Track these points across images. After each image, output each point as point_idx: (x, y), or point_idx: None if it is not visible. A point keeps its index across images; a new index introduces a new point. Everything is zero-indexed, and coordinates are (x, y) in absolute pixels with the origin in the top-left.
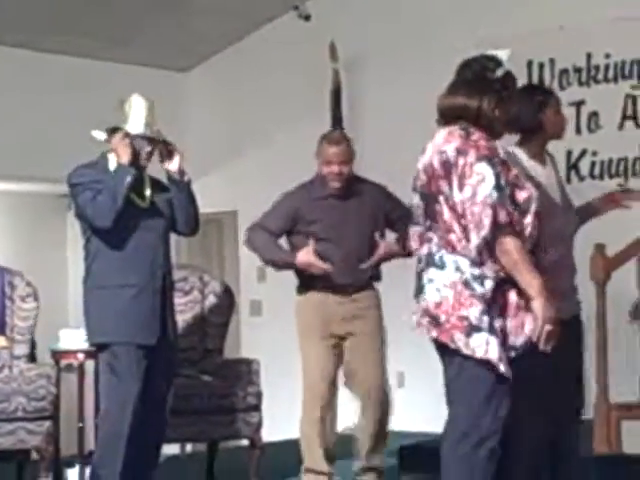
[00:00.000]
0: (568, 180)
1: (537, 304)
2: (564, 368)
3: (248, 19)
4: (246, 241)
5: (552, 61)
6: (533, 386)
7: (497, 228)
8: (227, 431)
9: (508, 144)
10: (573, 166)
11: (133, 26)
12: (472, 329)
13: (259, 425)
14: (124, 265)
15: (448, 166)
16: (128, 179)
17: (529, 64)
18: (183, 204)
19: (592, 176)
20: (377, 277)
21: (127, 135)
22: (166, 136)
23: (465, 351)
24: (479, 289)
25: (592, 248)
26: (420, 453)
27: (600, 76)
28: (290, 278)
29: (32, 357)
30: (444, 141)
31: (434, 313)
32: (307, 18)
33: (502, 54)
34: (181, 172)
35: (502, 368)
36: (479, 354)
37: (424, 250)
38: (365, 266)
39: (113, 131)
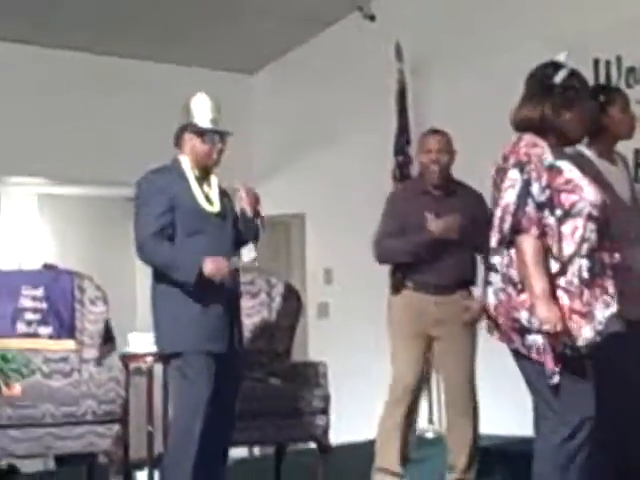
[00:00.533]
0: (636, 179)
1: (536, 306)
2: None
3: (313, 21)
4: (378, 257)
5: (619, 59)
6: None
7: (514, 233)
8: (295, 434)
9: None
10: None
11: (198, 28)
12: (524, 330)
13: (327, 428)
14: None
15: (498, 173)
16: (186, 278)
17: (595, 62)
18: (247, 236)
19: None
20: (471, 281)
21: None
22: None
23: (523, 351)
24: (517, 292)
25: None
26: (501, 457)
27: None
28: (357, 280)
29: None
30: (503, 149)
31: (494, 316)
32: (372, 18)
33: (560, 57)
34: (256, 213)
35: (554, 369)
36: (534, 355)
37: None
38: (466, 319)
39: (182, 130)
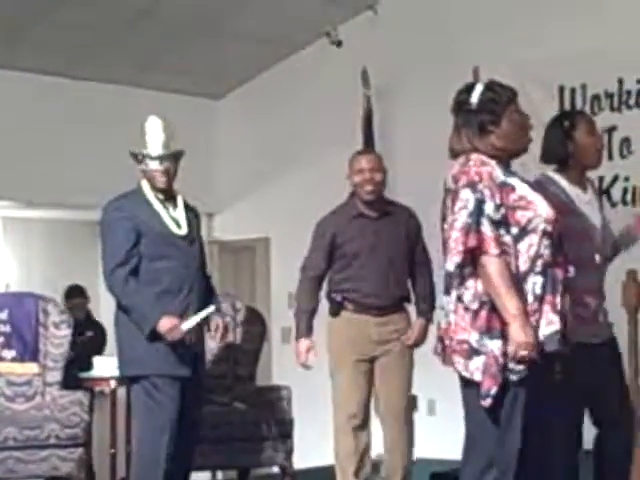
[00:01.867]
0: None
1: (512, 328)
2: (601, 389)
3: (280, 46)
4: (295, 295)
5: (584, 86)
6: (567, 409)
7: (471, 253)
8: (258, 458)
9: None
10: (605, 192)
11: (164, 53)
12: (472, 352)
13: (290, 452)
14: (157, 300)
15: (447, 195)
16: (141, 326)
17: (561, 89)
18: None
19: (624, 202)
20: (407, 299)
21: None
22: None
23: (465, 374)
24: (470, 312)
25: (624, 274)
26: None
27: (632, 101)
28: (321, 305)
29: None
30: (450, 171)
31: (443, 338)
32: (339, 44)
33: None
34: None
35: (490, 391)
36: (477, 377)
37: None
38: (400, 344)
39: (134, 157)
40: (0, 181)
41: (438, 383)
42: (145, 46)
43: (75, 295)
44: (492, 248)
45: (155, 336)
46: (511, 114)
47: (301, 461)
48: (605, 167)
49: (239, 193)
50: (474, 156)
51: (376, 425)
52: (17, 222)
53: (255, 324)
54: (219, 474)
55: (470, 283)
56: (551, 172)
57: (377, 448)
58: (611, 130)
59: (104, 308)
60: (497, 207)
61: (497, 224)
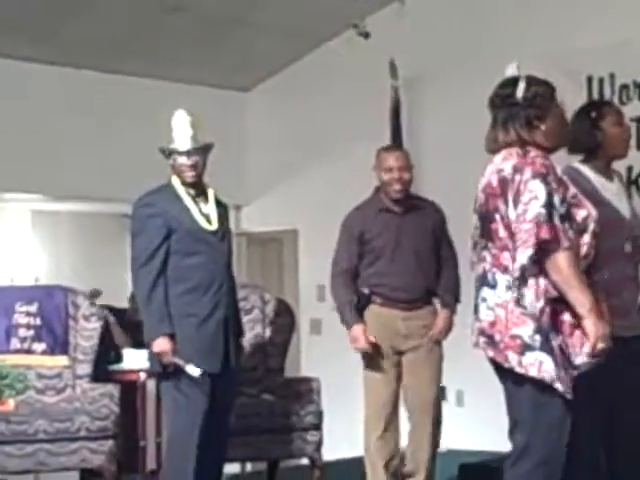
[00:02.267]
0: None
1: (588, 323)
2: (632, 387)
3: (307, 38)
4: (330, 291)
5: (612, 76)
6: (596, 405)
7: (544, 246)
8: (288, 450)
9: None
10: (634, 182)
11: (193, 46)
12: (525, 348)
13: (319, 444)
14: (188, 296)
15: (505, 184)
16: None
17: (589, 80)
18: None
19: None
20: (434, 292)
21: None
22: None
23: (518, 370)
24: (530, 308)
25: None
26: (481, 472)
27: None
28: None
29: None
30: (502, 160)
31: (489, 333)
32: (366, 36)
33: (510, 71)
34: None
35: (559, 387)
36: (532, 373)
37: (479, 269)
38: (428, 339)
39: (162, 152)
40: (28, 174)
41: (466, 374)
42: (174, 40)
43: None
44: (564, 241)
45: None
46: (555, 109)
47: (330, 453)
48: (634, 157)
49: (267, 185)
50: (532, 148)
51: (404, 418)
52: (46, 215)
53: (284, 316)
54: (248, 466)
55: (531, 281)
56: (577, 163)
57: (404, 440)
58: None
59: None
60: (562, 201)
61: (563, 218)
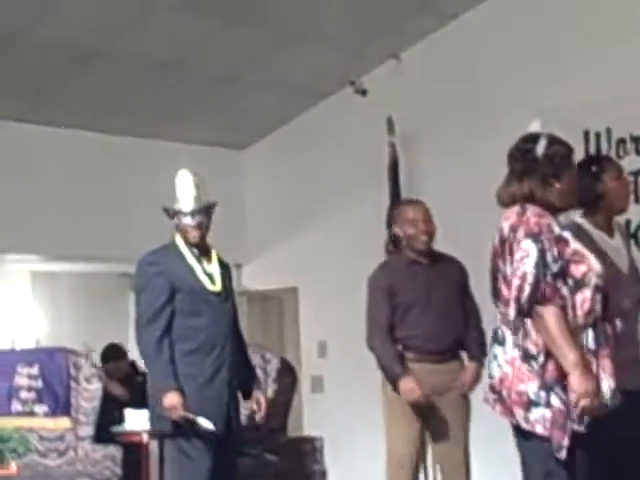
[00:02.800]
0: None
1: (572, 378)
2: (633, 439)
3: (305, 95)
4: (371, 350)
5: (609, 131)
6: (600, 459)
7: (535, 303)
8: None
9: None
10: (633, 235)
11: (189, 105)
12: (530, 404)
13: None
14: (191, 357)
15: (503, 243)
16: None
17: (586, 134)
18: None
19: None
20: (463, 345)
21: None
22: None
23: (525, 426)
24: (535, 364)
25: None
26: None
27: None
28: (351, 353)
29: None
30: (504, 219)
31: (498, 389)
32: (363, 93)
33: (533, 126)
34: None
35: (562, 443)
36: (539, 430)
37: (494, 327)
38: (463, 389)
39: (166, 212)
40: (28, 235)
41: (485, 432)
42: (170, 98)
43: (111, 357)
44: (553, 299)
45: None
46: (571, 170)
47: None
48: (632, 211)
49: (266, 243)
50: (530, 207)
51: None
52: (45, 276)
53: (286, 375)
54: None
55: (534, 335)
56: (577, 217)
57: None
58: (637, 174)
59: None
60: (555, 259)
61: (556, 276)
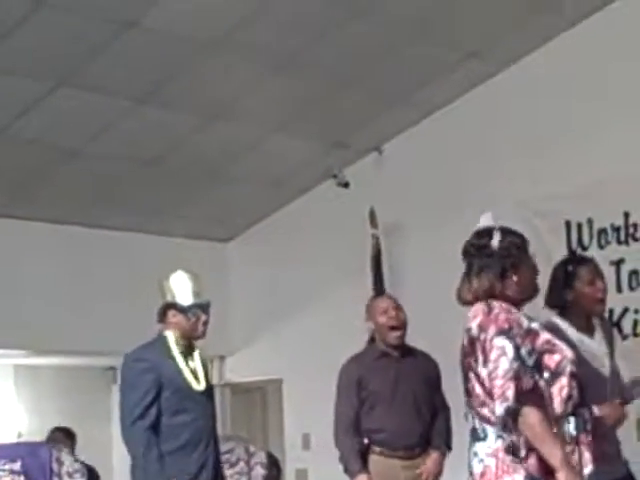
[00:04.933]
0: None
1: (561, 476)
2: None
3: (287, 188)
4: (335, 443)
5: (590, 221)
6: None
7: (521, 398)
8: None
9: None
10: (616, 324)
11: (175, 199)
12: None
13: None
14: (176, 454)
15: (473, 343)
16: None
17: (567, 225)
18: None
19: (635, 334)
20: (429, 440)
21: None
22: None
23: None
24: (520, 456)
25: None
26: None
27: (639, 234)
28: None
29: None
30: (471, 318)
31: None
32: (346, 185)
33: (484, 220)
34: None
35: None
36: None
37: (469, 426)
38: (424, 477)
39: (165, 308)
40: (10, 329)
41: None
42: (152, 194)
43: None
44: (533, 397)
45: None
46: (528, 259)
47: None
48: (614, 300)
49: (250, 335)
50: (496, 303)
51: None
52: (28, 369)
53: (270, 468)
54: None
55: (516, 431)
56: (555, 317)
57: None
58: (619, 263)
59: (117, 456)
60: (529, 353)
61: (531, 370)
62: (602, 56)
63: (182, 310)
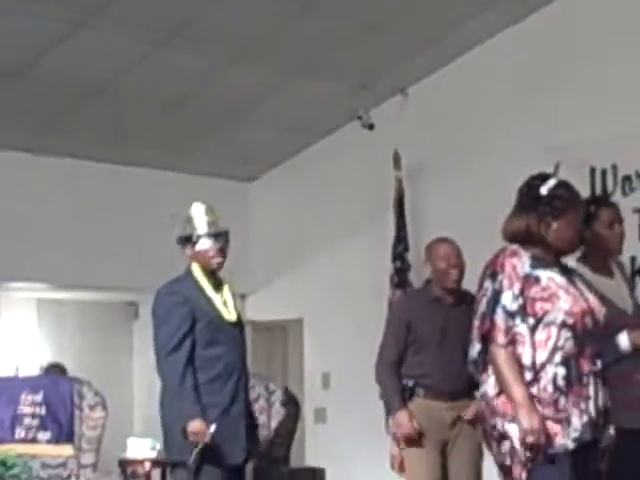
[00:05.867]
0: (633, 287)
1: (518, 415)
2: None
3: (312, 130)
4: (375, 380)
5: (614, 167)
6: None
7: (485, 339)
8: None
9: None
10: (638, 272)
11: (199, 138)
12: (501, 437)
13: None
14: (209, 386)
15: (479, 283)
16: (179, 421)
17: (592, 171)
18: None
19: None
20: (477, 386)
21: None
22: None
23: (497, 459)
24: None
25: None
26: None
27: None
28: (355, 385)
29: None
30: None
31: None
32: (370, 127)
33: (551, 169)
34: None
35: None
36: (507, 462)
37: None
38: (466, 417)
39: (184, 242)
40: (34, 264)
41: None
42: (178, 132)
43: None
44: (500, 338)
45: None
46: (573, 217)
47: None
48: (637, 248)
49: (272, 274)
50: (510, 247)
51: None
52: (51, 304)
53: (289, 406)
54: None
55: (490, 370)
56: (573, 261)
57: None
58: None
59: (138, 388)
60: (515, 297)
61: (512, 314)
62: None
63: (195, 242)
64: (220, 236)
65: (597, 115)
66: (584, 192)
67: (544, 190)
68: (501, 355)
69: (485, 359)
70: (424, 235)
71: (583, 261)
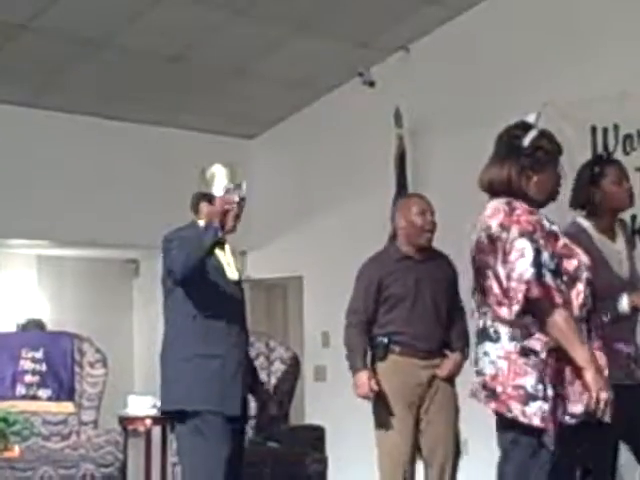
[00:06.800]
0: (633, 246)
1: (588, 375)
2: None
3: (312, 86)
4: (344, 341)
5: (616, 126)
6: (597, 454)
7: (536, 304)
8: None
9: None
10: (638, 231)
11: (197, 94)
12: (528, 398)
13: None
14: (211, 336)
15: (493, 242)
16: (218, 234)
17: (593, 129)
18: None
19: None
20: (448, 344)
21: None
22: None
23: (522, 419)
24: (533, 358)
25: None
26: None
27: None
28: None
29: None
30: (489, 216)
31: (490, 386)
32: (372, 84)
33: (530, 117)
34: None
35: (548, 438)
36: (535, 422)
37: (480, 324)
38: (442, 374)
39: (199, 198)
40: (34, 220)
41: (471, 423)
42: (179, 88)
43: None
44: (557, 298)
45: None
46: (553, 168)
47: None
48: (638, 206)
49: (272, 232)
50: (517, 204)
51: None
52: (51, 260)
53: (290, 363)
54: None
55: (534, 333)
56: (580, 218)
57: None
58: None
59: (138, 346)
60: (551, 257)
61: (554, 273)
62: None
63: (227, 191)
64: (243, 201)
65: (598, 73)
66: (585, 150)
67: (526, 141)
68: (562, 316)
69: (525, 322)
70: (426, 192)
71: (589, 219)
